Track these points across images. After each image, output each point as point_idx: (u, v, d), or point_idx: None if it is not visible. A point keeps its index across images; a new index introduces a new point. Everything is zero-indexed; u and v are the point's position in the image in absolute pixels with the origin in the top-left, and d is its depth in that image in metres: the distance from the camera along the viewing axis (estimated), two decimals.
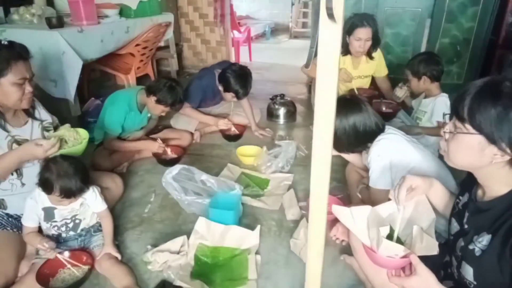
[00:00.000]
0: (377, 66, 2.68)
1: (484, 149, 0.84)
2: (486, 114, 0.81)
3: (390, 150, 1.47)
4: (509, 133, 0.80)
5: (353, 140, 1.51)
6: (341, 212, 1.04)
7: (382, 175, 1.47)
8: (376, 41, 2.55)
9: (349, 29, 2.49)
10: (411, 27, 3.11)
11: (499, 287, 0.84)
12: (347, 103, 1.52)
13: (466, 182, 1.05)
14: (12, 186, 1.50)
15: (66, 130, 1.55)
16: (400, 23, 3.05)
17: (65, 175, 1.38)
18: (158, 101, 2.21)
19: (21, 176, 1.51)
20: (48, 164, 1.40)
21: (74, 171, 1.40)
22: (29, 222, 1.45)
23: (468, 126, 0.85)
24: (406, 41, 3.14)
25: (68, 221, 1.50)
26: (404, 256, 0.93)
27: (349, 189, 1.95)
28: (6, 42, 1.42)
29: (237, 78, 2.56)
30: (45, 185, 1.39)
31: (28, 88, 1.45)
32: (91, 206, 1.54)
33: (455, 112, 0.89)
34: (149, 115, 2.41)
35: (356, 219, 1.02)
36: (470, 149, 0.86)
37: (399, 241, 1.01)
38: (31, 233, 1.45)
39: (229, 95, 2.64)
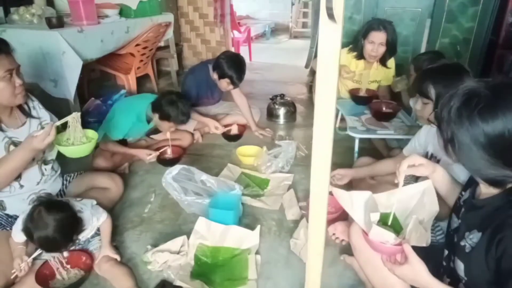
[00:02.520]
0: (386, 74, 2.68)
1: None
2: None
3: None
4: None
5: None
6: (341, 195, 1.05)
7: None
8: (391, 50, 2.55)
9: (364, 32, 2.51)
10: (411, 27, 3.11)
11: (487, 283, 0.85)
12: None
13: (471, 179, 1.05)
14: (11, 188, 1.48)
15: (73, 131, 1.50)
16: (400, 23, 3.05)
17: (45, 230, 1.25)
18: (161, 118, 2.21)
19: (19, 178, 1.49)
20: (32, 213, 1.28)
21: (57, 227, 1.26)
22: (17, 237, 1.37)
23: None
24: (406, 41, 3.13)
25: None
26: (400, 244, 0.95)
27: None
28: None
29: (231, 62, 2.55)
30: (27, 234, 1.29)
31: (18, 81, 1.39)
32: (96, 223, 1.49)
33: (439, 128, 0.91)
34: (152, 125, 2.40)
35: (355, 203, 1.04)
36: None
37: (396, 223, 1.02)
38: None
39: (224, 82, 2.62)
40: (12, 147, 1.45)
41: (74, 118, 1.48)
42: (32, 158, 1.43)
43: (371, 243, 0.99)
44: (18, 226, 1.36)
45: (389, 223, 1.04)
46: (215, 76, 2.64)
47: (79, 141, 1.51)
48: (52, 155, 1.64)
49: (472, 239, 0.88)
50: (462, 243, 0.91)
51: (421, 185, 1.07)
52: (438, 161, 1.52)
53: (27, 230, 1.28)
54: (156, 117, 2.22)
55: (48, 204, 1.30)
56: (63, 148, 1.47)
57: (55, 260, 1.40)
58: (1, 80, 1.35)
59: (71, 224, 1.35)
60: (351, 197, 1.04)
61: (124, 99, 2.29)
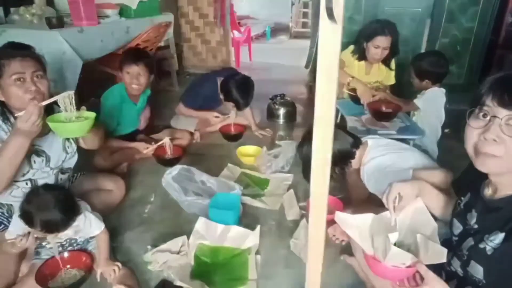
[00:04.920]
0: (387, 74, 2.68)
1: None
2: None
3: (381, 165, 1.51)
4: None
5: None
6: (346, 220, 1.02)
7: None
8: (394, 51, 2.53)
9: (369, 35, 2.46)
10: (411, 27, 3.11)
11: (511, 285, 0.84)
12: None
13: (466, 182, 1.04)
14: (24, 195, 1.45)
15: (64, 111, 1.40)
16: (400, 23, 3.04)
17: (46, 209, 1.26)
18: (121, 68, 2.23)
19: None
20: (29, 195, 1.29)
21: (57, 204, 1.27)
22: (12, 235, 1.35)
23: None
24: (406, 41, 3.13)
25: (64, 242, 1.46)
26: (408, 266, 0.92)
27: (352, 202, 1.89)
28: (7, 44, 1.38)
29: (239, 88, 2.54)
30: (26, 218, 1.27)
31: (30, 86, 1.34)
32: (87, 232, 1.46)
33: (505, 104, 0.78)
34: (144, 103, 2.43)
35: (359, 227, 1.01)
36: None
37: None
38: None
39: (229, 104, 2.63)
40: (34, 156, 1.44)
41: (65, 97, 1.40)
42: (27, 143, 1.31)
43: (382, 268, 0.95)
44: (13, 227, 1.35)
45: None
46: (221, 96, 2.63)
47: (73, 121, 1.41)
48: (71, 164, 1.62)
49: (493, 240, 0.85)
50: (481, 246, 0.88)
51: (412, 206, 1.05)
52: None
53: (25, 212, 1.27)
54: (121, 74, 2.27)
55: (45, 186, 1.33)
56: (54, 125, 1.36)
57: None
58: (12, 82, 1.33)
59: (70, 200, 1.35)
60: (356, 221, 1.00)
61: (106, 91, 2.31)
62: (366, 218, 1.02)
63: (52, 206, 1.27)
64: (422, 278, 0.87)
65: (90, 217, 1.45)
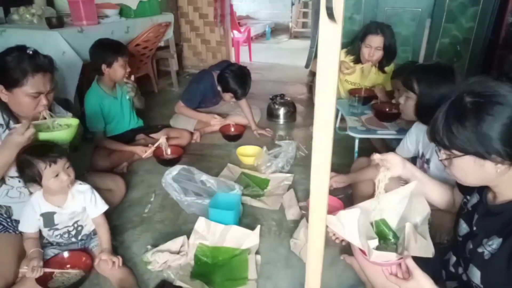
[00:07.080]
0: (384, 79, 2.65)
1: (483, 165, 0.84)
2: (462, 136, 0.83)
3: None
4: (492, 144, 0.81)
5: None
6: (330, 221, 1.01)
7: None
8: (390, 55, 2.50)
9: (362, 35, 2.48)
10: (411, 27, 3.11)
11: None
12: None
13: None
14: (20, 194, 1.48)
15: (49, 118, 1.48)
16: (400, 23, 3.05)
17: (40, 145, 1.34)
18: (107, 64, 2.19)
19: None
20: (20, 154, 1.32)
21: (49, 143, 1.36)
22: (26, 228, 1.41)
23: (454, 151, 0.87)
24: (406, 41, 3.13)
25: (71, 228, 1.47)
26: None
27: (355, 200, 1.89)
28: (30, 52, 1.39)
29: (236, 78, 2.56)
30: (27, 170, 1.31)
31: (43, 101, 1.42)
32: (91, 211, 1.48)
33: (437, 143, 0.91)
34: (128, 97, 2.39)
35: (345, 223, 1.01)
36: (471, 169, 0.87)
37: (385, 229, 1.02)
38: (30, 239, 1.40)
39: (228, 96, 2.64)
40: None
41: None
42: (16, 153, 1.35)
43: (372, 262, 0.97)
44: (24, 217, 1.40)
45: (392, 226, 1.02)
46: (219, 88, 2.65)
47: (57, 128, 1.49)
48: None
49: (491, 245, 0.86)
50: (480, 250, 0.89)
51: (408, 188, 1.07)
52: (427, 161, 1.52)
53: (23, 164, 1.32)
54: (104, 69, 2.21)
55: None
56: (44, 134, 1.40)
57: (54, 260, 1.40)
58: (27, 96, 1.38)
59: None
60: (339, 220, 1.01)
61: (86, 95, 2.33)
62: (353, 214, 1.02)
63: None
64: None
65: (95, 194, 1.49)
